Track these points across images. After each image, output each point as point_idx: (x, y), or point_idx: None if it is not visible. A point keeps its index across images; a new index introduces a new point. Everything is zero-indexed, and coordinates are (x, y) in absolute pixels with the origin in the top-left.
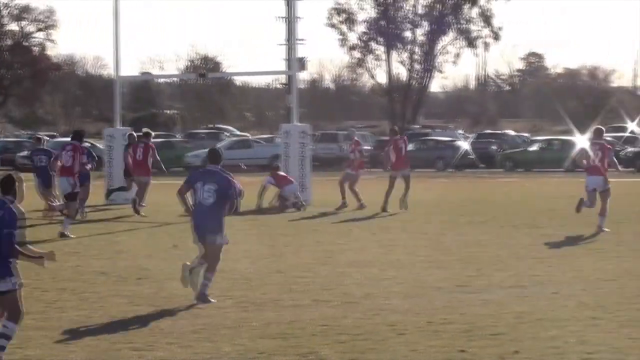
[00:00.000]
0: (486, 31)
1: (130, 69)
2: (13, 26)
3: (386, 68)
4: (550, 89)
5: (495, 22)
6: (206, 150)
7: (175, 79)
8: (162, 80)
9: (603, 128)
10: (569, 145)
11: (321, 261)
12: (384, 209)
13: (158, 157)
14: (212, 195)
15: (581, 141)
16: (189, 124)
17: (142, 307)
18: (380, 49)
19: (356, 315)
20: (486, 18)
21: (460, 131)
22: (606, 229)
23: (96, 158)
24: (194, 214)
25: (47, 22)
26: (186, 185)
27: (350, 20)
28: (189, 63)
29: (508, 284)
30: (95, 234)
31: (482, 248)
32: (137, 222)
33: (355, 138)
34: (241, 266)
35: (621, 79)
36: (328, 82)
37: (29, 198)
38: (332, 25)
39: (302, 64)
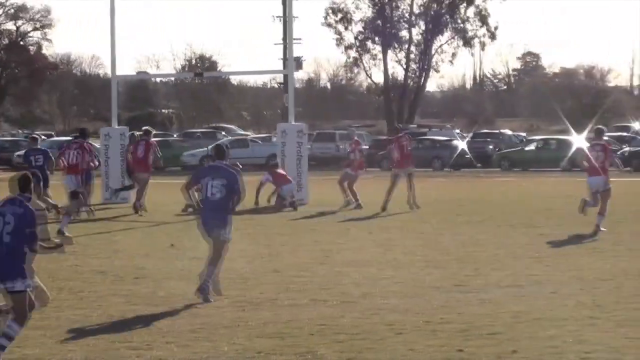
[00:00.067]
0: (482, 31)
1: (126, 68)
2: (9, 25)
3: (382, 67)
4: (547, 88)
5: (492, 22)
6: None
7: (171, 78)
8: (158, 79)
9: (604, 128)
10: (566, 144)
11: (318, 261)
12: (383, 209)
13: (159, 154)
14: (220, 190)
15: (578, 141)
16: (186, 124)
17: (140, 307)
18: (376, 49)
19: (354, 315)
20: (482, 17)
21: (457, 130)
22: (603, 229)
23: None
24: (202, 210)
25: (43, 22)
26: (194, 181)
27: (346, 19)
28: (186, 62)
29: (505, 283)
30: (93, 233)
31: (480, 247)
32: (134, 221)
33: (355, 138)
34: (238, 265)
35: (618, 79)
36: (324, 81)
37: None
38: (329, 25)
39: (298, 63)
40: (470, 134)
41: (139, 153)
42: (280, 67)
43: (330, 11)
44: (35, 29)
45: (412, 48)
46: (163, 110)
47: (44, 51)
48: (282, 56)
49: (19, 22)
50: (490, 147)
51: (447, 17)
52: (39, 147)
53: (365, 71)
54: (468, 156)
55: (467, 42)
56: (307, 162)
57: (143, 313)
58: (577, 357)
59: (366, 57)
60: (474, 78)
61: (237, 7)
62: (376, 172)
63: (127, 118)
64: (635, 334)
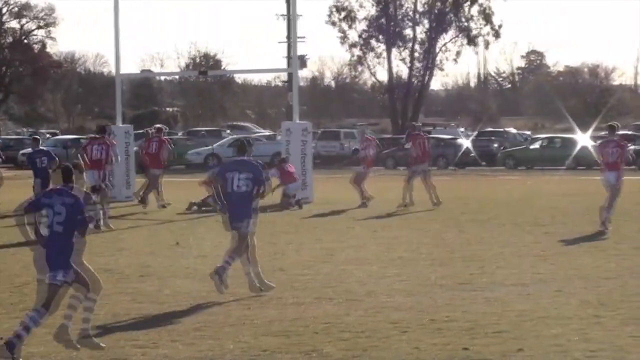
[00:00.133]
0: (486, 29)
1: (131, 66)
2: (13, 24)
3: (387, 66)
4: (551, 86)
5: (496, 20)
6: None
7: (176, 76)
8: (163, 77)
9: (618, 124)
10: (570, 143)
11: (323, 259)
12: (406, 204)
13: (172, 149)
14: (246, 183)
15: (583, 139)
16: (190, 122)
17: (145, 305)
18: (380, 47)
19: (359, 313)
20: (486, 16)
21: (462, 129)
22: (609, 228)
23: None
24: (228, 203)
25: (47, 20)
26: (219, 177)
27: (350, 17)
28: (190, 61)
29: (510, 281)
30: (98, 231)
31: (484, 246)
32: (139, 219)
33: (367, 135)
34: None
35: (622, 77)
36: (329, 79)
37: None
38: (333, 23)
39: (302, 61)
40: (475, 133)
41: (152, 149)
42: (285, 66)
43: (334, 9)
44: (39, 27)
45: (416, 46)
46: (167, 109)
47: (48, 49)
48: (286, 54)
49: (23, 21)
50: (495, 145)
51: (451, 15)
52: (42, 148)
53: (370, 69)
54: (473, 154)
55: (471, 41)
56: (312, 161)
57: (148, 311)
58: (582, 356)
59: (370, 56)
60: (478, 76)
61: (241, 5)
62: (380, 170)
63: (132, 116)
64: None
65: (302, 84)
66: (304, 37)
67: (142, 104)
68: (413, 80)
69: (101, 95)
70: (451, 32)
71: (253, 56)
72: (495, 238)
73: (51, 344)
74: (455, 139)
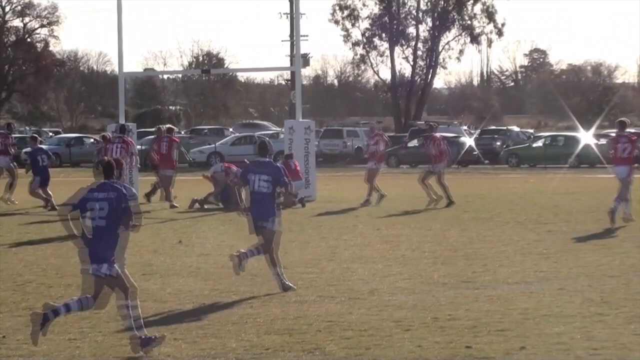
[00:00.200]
0: (489, 27)
1: (134, 65)
2: (16, 22)
3: (389, 64)
4: (554, 85)
5: (499, 18)
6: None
7: (179, 75)
8: (166, 76)
9: (628, 120)
10: (573, 141)
11: (326, 257)
12: (451, 201)
13: (183, 150)
14: (267, 184)
15: (586, 137)
16: (193, 120)
17: (147, 303)
18: (383, 45)
19: (362, 311)
20: (489, 14)
21: (465, 127)
22: (614, 225)
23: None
24: (250, 204)
25: (50, 18)
26: (242, 179)
27: (353, 16)
28: (193, 59)
29: (513, 280)
30: None
31: (487, 244)
32: (145, 218)
33: (377, 131)
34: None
35: (625, 75)
36: (332, 78)
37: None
38: (336, 22)
39: (305, 60)
40: (478, 131)
41: (163, 150)
42: (288, 64)
43: (337, 8)
44: (42, 25)
45: (419, 45)
46: (170, 107)
47: (51, 48)
48: (289, 53)
49: (26, 19)
50: (498, 143)
51: (454, 13)
52: (41, 146)
53: (373, 68)
54: (476, 153)
55: (474, 39)
56: (315, 159)
57: (150, 309)
58: (585, 354)
59: (373, 54)
60: (481, 75)
61: (244, 3)
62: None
63: (135, 115)
64: None
65: (305, 82)
66: (306, 36)
67: (145, 103)
68: (416, 78)
69: (104, 93)
70: (454, 31)
71: (256, 55)
72: (498, 236)
73: (53, 343)
74: (458, 137)
